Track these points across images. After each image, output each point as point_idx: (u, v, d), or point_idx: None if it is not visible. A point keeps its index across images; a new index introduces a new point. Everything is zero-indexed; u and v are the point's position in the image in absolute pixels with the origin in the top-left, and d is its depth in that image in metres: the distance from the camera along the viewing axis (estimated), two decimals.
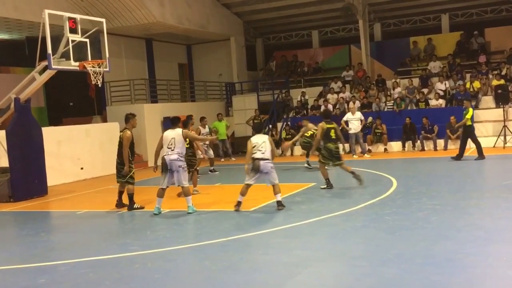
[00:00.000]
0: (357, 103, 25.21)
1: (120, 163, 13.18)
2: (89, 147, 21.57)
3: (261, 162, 11.70)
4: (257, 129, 13.68)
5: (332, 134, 14.51)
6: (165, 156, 12.14)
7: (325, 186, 14.36)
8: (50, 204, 15.85)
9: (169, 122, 12.87)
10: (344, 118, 23.01)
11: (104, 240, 10.32)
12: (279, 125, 26.73)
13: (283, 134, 25.44)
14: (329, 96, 27.09)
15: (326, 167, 14.52)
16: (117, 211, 13.15)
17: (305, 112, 26.88)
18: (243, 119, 27.79)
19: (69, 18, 14.97)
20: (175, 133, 12.30)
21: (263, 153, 11.78)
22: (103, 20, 16.53)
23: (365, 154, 22.54)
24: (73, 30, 14.99)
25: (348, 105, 24.87)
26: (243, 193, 12.03)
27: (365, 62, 28.95)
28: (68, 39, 14.98)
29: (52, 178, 18.46)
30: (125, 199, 13.42)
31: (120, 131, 13.34)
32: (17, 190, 16.24)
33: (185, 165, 12.45)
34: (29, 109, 16.97)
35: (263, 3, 29.34)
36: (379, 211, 11.01)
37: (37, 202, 15.97)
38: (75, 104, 27.87)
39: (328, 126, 14.51)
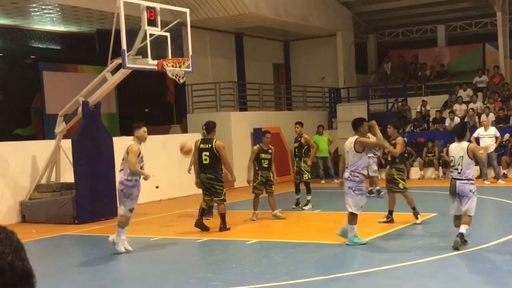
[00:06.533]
0: (491, 116, 24.71)
1: (214, 179, 13.63)
2: (166, 161, 21.61)
3: (457, 183, 10.94)
4: (460, 132, 11.50)
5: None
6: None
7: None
8: None
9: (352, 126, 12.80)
10: (475, 134, 22.56)
11: (181, 273, 10.60)
12: None
13: None
14: (456, 106, 26.68)
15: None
16: (197, 239, 13.44)
17: (425, 126, 26.61)
18: (349, 133, 27.57)
19: (148, 8, 15.08)
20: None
21: (459, 172, 10.96)
22: (187, 10, 16.73)
23: (499, 180, 22.07)
24: (151, 22, 15.12)
25: (480, 118, 24.42)
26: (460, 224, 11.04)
27: (502, 65, 28.36)
28: (145, 33, 15.07)
29: None
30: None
31: (206, 142, 13.66)
32: (83, 211, 16.55)
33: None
34: (99, 115, 17.33)
35: None
36: None
37: (105, 225, 16.24)
38: (151, 111, 28.33)
39: None
